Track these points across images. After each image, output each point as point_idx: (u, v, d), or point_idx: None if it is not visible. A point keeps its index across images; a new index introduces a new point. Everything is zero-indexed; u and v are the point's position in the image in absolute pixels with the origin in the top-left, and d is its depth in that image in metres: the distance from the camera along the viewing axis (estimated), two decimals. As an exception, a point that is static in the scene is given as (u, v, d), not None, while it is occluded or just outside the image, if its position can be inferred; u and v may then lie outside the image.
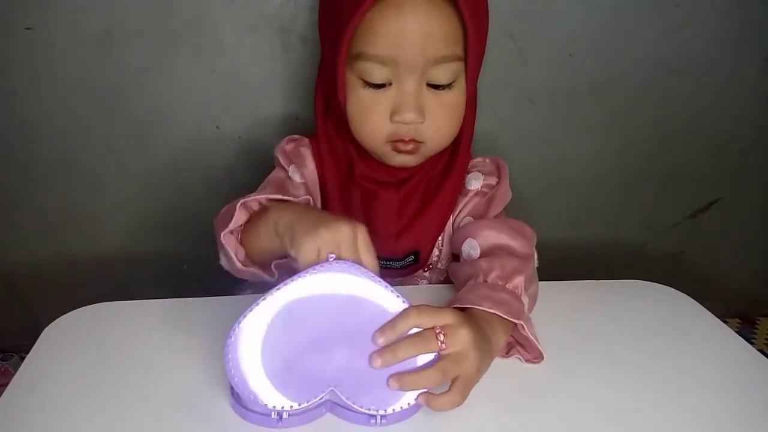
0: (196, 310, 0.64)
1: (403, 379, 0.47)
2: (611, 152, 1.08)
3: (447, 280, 0.76)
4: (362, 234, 0.51)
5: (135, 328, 0.62)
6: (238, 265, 0.61)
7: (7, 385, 0.53)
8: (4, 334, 1.12)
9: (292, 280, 0.48)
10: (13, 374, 0.55)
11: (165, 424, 0.49)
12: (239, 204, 0.62)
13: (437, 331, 0.48)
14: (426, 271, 0.76)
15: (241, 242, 0.63)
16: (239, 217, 0.62)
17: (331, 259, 0.49)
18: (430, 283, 0.76)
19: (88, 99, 0.92)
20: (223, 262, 0.64)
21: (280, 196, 0.64)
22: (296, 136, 0.76)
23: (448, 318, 0.49)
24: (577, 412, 0.52)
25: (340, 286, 0.49)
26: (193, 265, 1.05)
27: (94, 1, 0.85)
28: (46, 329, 0.61)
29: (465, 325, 0.49)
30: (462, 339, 0.49)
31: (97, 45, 0.88)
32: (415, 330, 0.49)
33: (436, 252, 0.75)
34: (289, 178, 0.71)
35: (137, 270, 1.07)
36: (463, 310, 0.54)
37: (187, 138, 0.97)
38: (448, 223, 0.74)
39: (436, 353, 0.49)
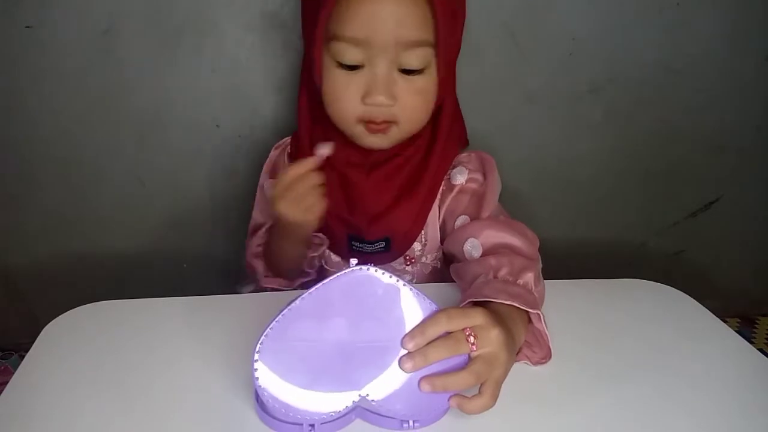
0: (195, 309, 0.64)
1: (434, 382, 0.47)
2: (611, 152, 1.08)
3: (431, 276, 0.77)
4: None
5: (134, 326, 0.62)
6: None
7: (6, 383, 0.53)
8: (4, 333, 1.12)
9: (315, 288, 0.47)
10: (13, 373, 0.55)
11: (165, 423, 0.49)
12: (253, 257, 0.76)
13: (467, 333, 0.48)
14: (408, 265, 0.76)
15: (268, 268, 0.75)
16: (259, 268, 0.75)
17: (353, 264, 0.47)
18: (413, 278, 0.76)
19: (88, 98, 0.92)
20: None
21: None
22: (280, 143, 0.80)
23: (478, 319, 0.49)
24: (577, 411, 0.52)
25: (364, 290, 0.48)
26: (193, 265, 1.05)
27: (94, 0, 0.85)
28: (46, 328, 0.61)
29: (496, 326, 0.49)
30: (493, 340, 0.48)
31: (97, 44, 0.88)
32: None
33: (418, 246, 0.75)
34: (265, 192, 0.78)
35: (137, 269, 1.07)
36: (478, 304, 0.53)
37: (187, 138, 0.97)
38: (431, 217, 0.74)
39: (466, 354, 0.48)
